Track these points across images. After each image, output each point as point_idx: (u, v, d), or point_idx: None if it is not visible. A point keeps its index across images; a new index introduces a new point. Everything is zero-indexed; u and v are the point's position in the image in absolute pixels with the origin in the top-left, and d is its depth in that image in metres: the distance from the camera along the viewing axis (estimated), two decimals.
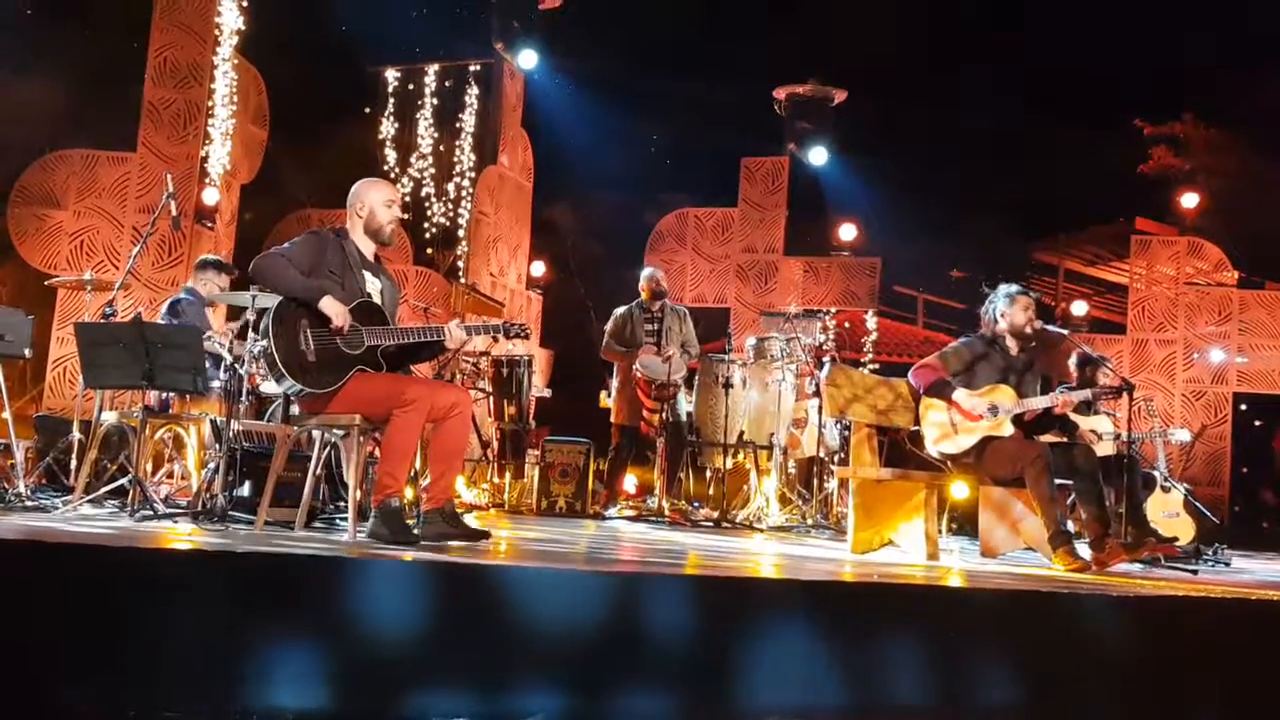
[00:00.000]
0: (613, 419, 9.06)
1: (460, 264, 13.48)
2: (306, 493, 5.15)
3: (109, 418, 5.98)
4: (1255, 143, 15.75)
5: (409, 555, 4.05)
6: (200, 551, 3.87)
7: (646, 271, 9.20)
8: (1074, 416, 6.34)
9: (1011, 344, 6.17)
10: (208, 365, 5.99)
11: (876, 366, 13.62)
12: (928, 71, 17.43)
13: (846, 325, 14.75)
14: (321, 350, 4.76)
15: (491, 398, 9.68)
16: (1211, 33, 15.76)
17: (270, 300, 4.87)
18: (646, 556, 5.15)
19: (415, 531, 4.68)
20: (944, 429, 6.01)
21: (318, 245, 4.96)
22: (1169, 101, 17.17)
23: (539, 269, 14.34)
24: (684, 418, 8.91)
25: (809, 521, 8.30)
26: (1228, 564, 7.06)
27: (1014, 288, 6.25)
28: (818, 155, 13.71)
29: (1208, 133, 17.12)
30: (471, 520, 5.36)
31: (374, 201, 5.08)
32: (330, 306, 4.74)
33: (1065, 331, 7.03)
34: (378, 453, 5.05)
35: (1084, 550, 5.72)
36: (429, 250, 14.11)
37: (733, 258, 13.18)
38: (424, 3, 14.39)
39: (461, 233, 13.76)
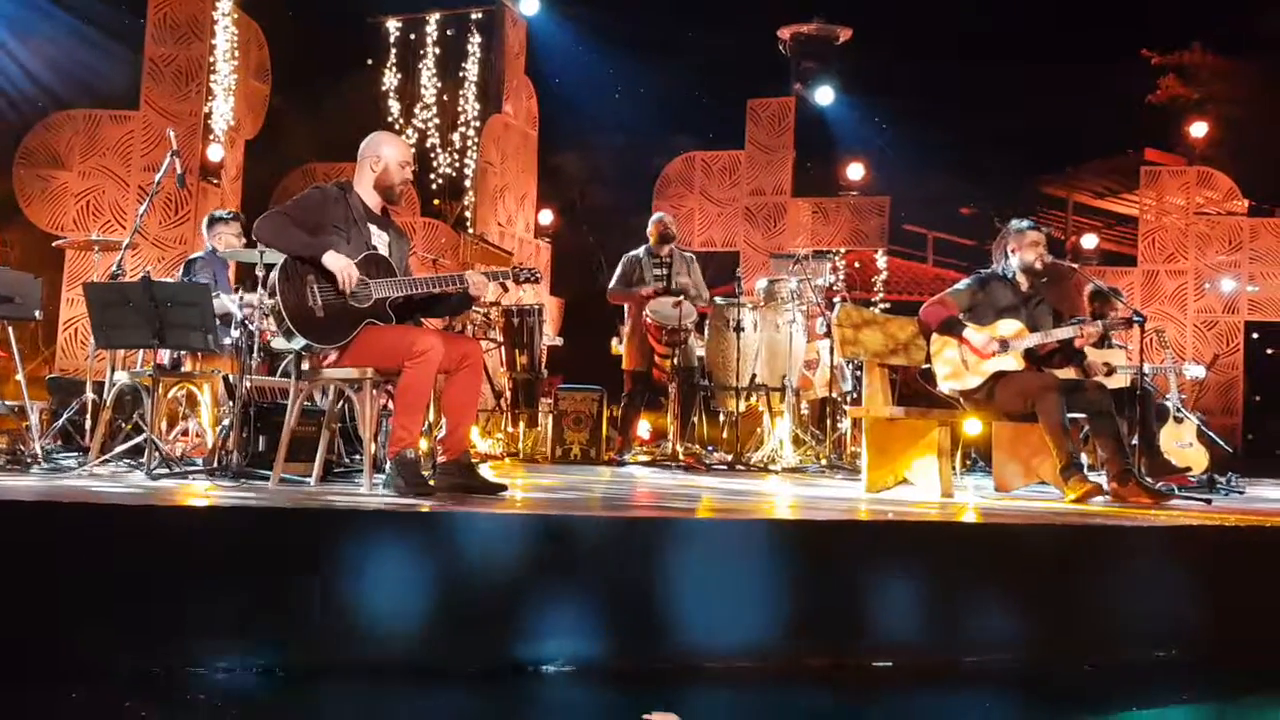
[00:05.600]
0: (624, 365, 9.05)
1: (468, 214, 13.47)
2: (321, 447, 5.16)
3: (121, 377, 6.00)
4: (1265, 70, 15.57)
5: (426, 506, 4.07)
6: (218, 508, 3.89)
7: (655, 216, 9.16)
8: (1086, 348, 6.32)
9: (1022, 279, 6.13)
10: (218, 323, 5.99)
11: (887, 305, 13.62)
12: (932, 6, 17.23)
13: (857, 265, 14.73)
14: (329, 305, 4.75)
15: (503, 347, 9.70)
16: None
17: (278, 257, 4.85)
18: (663, 501, 5.18)
19: (431, 483, 4.71)
20: (955, 366, 6.01)
21: (320, 200, 4.91)
22: (1177, 30, 16.94)
23: (547, 217, 14.31)
24: (695, 362, 8.91)
25: (823, 462, 8.33)
26: (1241, 492, 7.08)
27: (1024, 223, 6.21)
28: (824, 95, 13.62)
29: (1216, 61, 16.90)
30: (488, 472, 5.38)
31: (389, 158, 5.01)
32: (333, 261, 4.70)
33: (1075, 265, 7.01)
34: (392, 405, 5.06)
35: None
36: (436, 201, 14.08)
37: (741, 200, 13.11)
38: None
39: (468, 183, 13.74)
